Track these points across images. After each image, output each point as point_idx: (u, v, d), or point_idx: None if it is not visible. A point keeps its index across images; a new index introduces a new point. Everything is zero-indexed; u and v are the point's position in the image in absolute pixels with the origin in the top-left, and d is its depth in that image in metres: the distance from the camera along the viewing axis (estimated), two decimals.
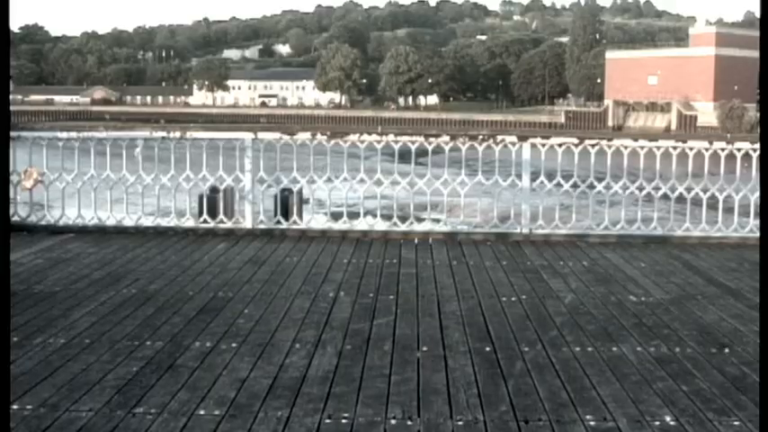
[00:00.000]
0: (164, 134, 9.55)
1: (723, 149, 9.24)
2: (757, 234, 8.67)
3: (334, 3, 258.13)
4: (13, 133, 8.98)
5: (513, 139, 9.34)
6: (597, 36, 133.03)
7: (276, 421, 3.81)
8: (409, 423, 3.81)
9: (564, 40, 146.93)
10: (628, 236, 9.10)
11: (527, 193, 9.18)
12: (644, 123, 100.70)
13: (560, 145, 9.36)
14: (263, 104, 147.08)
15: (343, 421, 3.82)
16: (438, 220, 9.86)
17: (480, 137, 9.50)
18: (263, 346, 4.98)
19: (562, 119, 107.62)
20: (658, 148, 9.24)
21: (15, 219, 9.16)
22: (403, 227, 9.24)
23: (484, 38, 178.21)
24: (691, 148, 9.24)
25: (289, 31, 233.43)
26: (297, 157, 9.45)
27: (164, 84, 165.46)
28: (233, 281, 6.87)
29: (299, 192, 9.92)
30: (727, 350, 5.04)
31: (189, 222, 9.41)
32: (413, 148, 9.39)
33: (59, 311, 5.78)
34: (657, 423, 3.85)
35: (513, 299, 6.32)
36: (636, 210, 9.60)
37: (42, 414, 3.87)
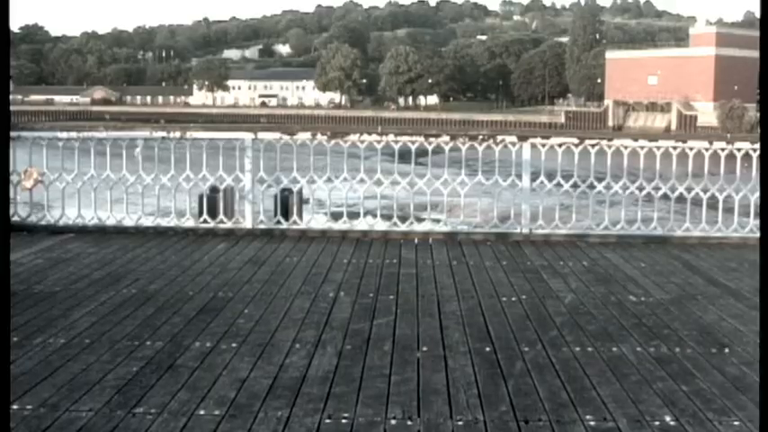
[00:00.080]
0: (164, 134, 9.55)
1: (723, 149, 9.25)
2: (757, 234, 8.67)
3: (334, 3, 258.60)
4: (13, 133, 8.99)
5: (513, 139, 9.34)
6: (597, 36, 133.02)
7: (276, 421, 3.81)
8: (409, 423, 3.81)
9: (564, 40, 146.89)
10: (628, 236, 9.10)
11: (527, 194, 9.18)
12: (644, 123, 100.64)
13: (560, 145, 9.36)
14: (263, 104, 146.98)
15: (343, 421, 3.82)
16: (438, 220, 9.85)
17: (480, 137, 9.50)
18: (263, 346, 4.98)
19: (562, 119, 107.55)
20: (658, 148, 9.24)
21: (15, 219, 9.16)
22: (403, 227, 9.24)
23: (484, 38, 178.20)
24: (691, 148, 9.24)
25: (289, 31, 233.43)
26: (297, 157, 9.45)
27: (164, 84, 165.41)
28: (233, 281, 6.87)
29: (299, 192, 9.92)
30: (727, 350, 5.04)
31: (189, 222, 9.41)
32: (413, 148, 9.39)
33: (59, 311, 5.78)
34: (657, 423, 3.85)
35: (513, 299, 6.32)
36: (636, 210, 9.60)
37: (42, 414, 3.87)
